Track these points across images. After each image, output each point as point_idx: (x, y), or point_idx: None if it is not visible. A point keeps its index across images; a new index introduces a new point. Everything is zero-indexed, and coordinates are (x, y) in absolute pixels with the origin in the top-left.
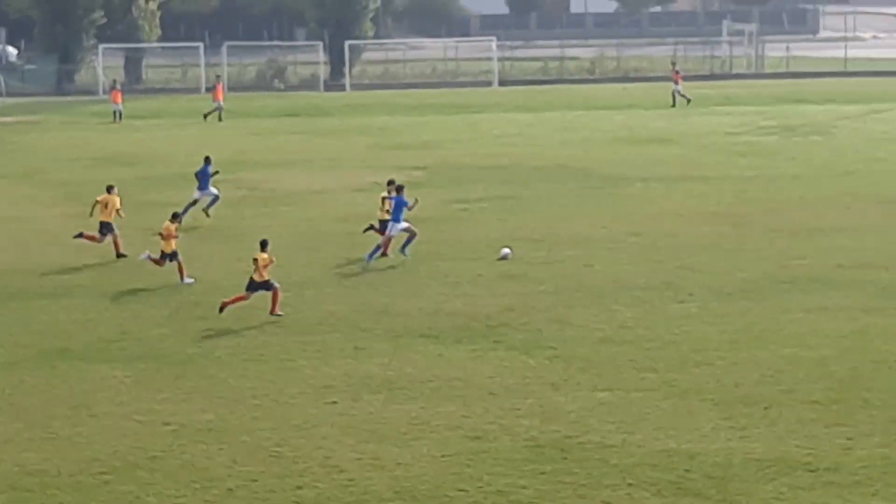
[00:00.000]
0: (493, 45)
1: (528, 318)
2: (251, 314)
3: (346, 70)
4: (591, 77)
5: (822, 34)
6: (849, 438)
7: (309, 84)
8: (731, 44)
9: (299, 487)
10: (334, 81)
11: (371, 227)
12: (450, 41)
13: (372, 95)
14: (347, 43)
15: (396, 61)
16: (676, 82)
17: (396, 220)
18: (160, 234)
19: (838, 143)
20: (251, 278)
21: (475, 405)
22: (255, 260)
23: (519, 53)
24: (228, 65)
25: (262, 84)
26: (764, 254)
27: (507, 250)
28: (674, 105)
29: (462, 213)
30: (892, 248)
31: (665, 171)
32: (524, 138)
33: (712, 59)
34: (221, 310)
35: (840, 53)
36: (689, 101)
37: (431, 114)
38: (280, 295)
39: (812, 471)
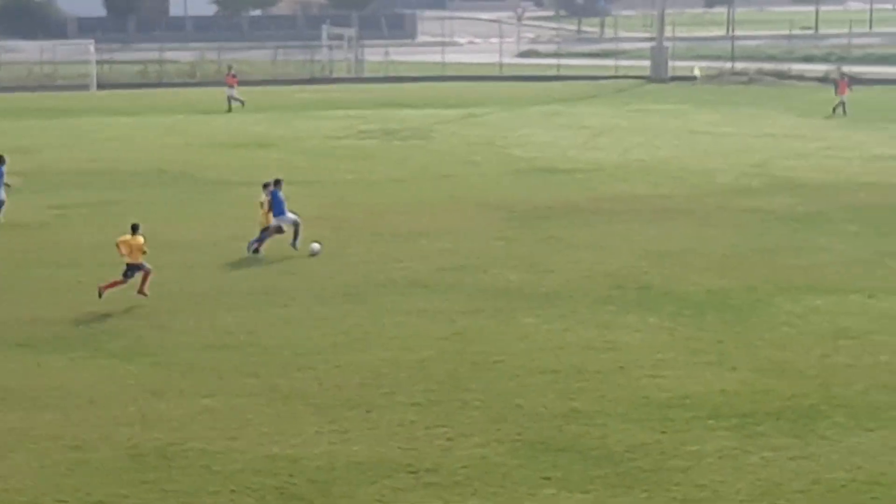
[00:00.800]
0: (91, 47)
1: (129, 325)
2: None
3: None
4: (192, 81)
5: (420, 39)
6: (449, 439)
7: None
8: (331, 48)
9: None
10: None
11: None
12: (46, 43)
13: None
14: None
15: None
16: (231, 86)
17: (281, 213)
18: None
19: (437, 147)
20: (127, 263)
21: (75, 414)
22: (118, 245)
23: (118, 56)
24: None
25: None
26: (365, 257)
27: (316, 245)
28: (229, 110)
29: (60, 219)
30: (489, 251)
31: (266, 175)
32: (124, 142)
33: (313, 64)
34: (100, 294)
35: (438, 58)
36: (229, 108)
37: (29, 118)
38: (151, 275)
39: (413, 472)
